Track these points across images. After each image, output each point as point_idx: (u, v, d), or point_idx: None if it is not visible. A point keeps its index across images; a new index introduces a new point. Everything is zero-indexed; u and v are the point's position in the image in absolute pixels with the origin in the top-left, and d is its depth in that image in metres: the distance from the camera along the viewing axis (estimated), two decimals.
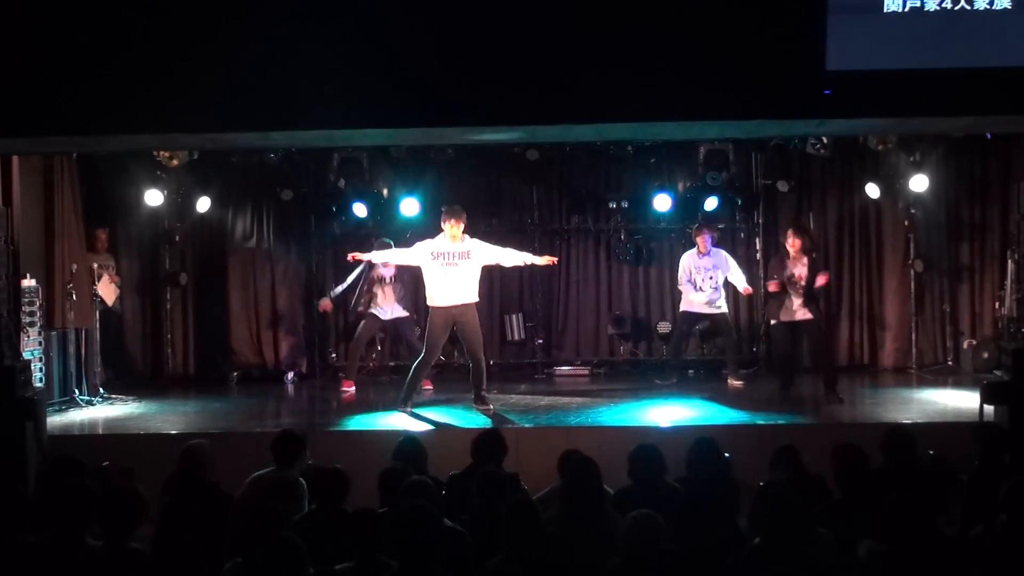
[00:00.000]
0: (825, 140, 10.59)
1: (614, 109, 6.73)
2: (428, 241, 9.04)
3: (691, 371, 11.39)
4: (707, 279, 10.41)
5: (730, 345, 10.92)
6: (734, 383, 10.49)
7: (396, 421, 8.62)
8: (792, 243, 9.50)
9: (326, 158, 11.30)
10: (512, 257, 9.23)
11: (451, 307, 8.84)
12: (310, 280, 11.86)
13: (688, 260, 10.55)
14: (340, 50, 6.50)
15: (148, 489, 4.80)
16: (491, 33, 6.50)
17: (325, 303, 11.13)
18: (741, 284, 10.56)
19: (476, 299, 9.04)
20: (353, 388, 10.34)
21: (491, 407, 8.90)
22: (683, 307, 10.65)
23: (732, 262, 10.60)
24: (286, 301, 11.86)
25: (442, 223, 8.97)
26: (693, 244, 10.67)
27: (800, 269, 9.39)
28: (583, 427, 8.35)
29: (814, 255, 9.65)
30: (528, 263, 9.38)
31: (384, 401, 9.62)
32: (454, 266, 8.84)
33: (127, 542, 4.45)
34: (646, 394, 9.89)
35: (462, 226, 8.97)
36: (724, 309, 10.60)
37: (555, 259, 9.74)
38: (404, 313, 10.55)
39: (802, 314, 9.38)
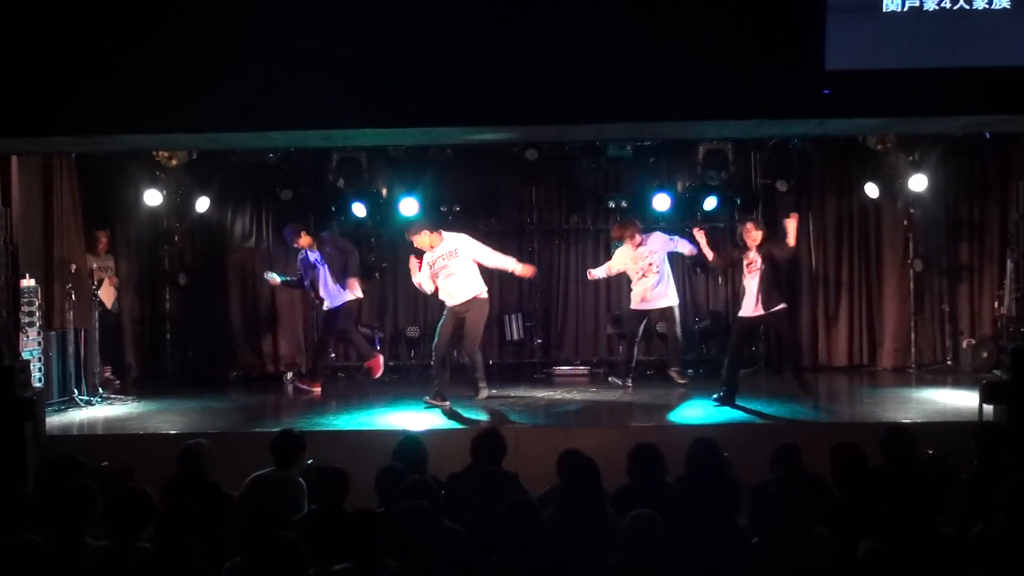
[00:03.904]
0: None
1: (614, 109, 6.73)
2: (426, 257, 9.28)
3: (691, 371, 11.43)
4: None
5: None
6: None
7: (396, 421, 8.63)
8: (752, 237, 9.04)
9: (325, 158, 11.31)
10: (495, 259, 9.32)
11: (456, 307, 9.11)
12: None
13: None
14: (339, 50, 6.50)
15: (147, 489, 4.80)
16: (491, 33, 6.50)
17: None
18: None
19: (480, 290, 9.14)
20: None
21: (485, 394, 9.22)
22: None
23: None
24: (285, 301, 11.87)
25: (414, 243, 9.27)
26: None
27: (755, 258, 8.99)
28: (583, 427, 8.34)
29: (773, 251, 9.09)
30: (510, 270, 9.44)
31: (383, 400, 9.66)
32: (445, 268, 9.09)
33: (135, 542, 4.46)
34: (646, 394, 9.89)
35: (426, 233, 9.18)
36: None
37: (533, 270, 9.69)
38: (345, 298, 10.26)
39: (757, 308, 8.97)
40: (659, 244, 10.29)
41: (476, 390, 9.29)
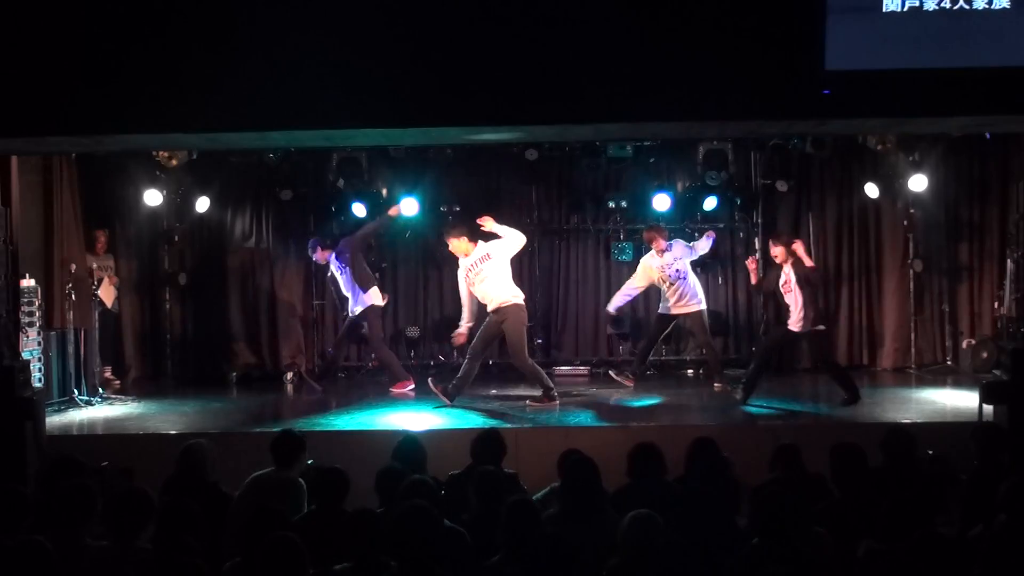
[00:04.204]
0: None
1: (614, 109, 6.73)
2: (460, 267, 9.32)
3: (690, 371, 11.44)
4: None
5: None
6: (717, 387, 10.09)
7: (396, 421, 8.63)
8: (773, 254, 9.13)
9: (325, 158, 11.32)
10: (511, 238, 9.22)
11: (492, 312, 9.13)
12: (309, 280, 11.87)
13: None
14: (339, 50, 6.50)
15: (147, 489, 4.81)
16: (491, 33, 6.50)
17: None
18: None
19: (514, 294, 9.15)
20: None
21: (556, 403, 9.17)
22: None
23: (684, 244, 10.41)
24: (285, 301, 11.87)
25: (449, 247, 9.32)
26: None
27: (789, 275, 9.05)
28: (583, 427, 8.35)
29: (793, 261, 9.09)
30: (510, 228, 9.30)
31: (383, 400, 9.66)
32: (480, 273, 9.12)
33: (135, 542, 4.46)
34: (645, 394, 9.89)
35: (464, 239, 9.19)
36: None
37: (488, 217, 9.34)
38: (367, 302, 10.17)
39: (797, 324, 8.99)
40: (681, 251, 10.29)
41: (549, 397, 9.20)
